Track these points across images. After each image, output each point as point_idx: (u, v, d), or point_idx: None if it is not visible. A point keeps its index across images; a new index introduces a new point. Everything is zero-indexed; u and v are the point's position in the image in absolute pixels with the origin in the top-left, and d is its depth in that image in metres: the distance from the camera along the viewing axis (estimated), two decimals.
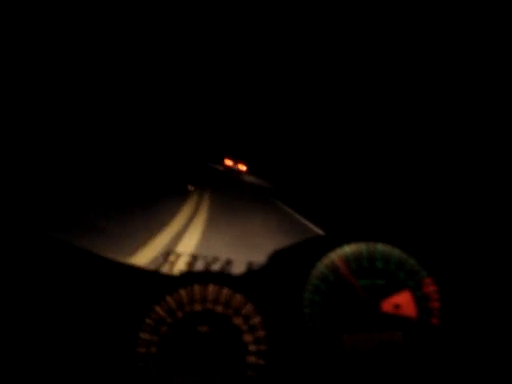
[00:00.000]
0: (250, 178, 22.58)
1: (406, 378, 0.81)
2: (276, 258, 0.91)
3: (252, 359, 0.84)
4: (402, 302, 0.82)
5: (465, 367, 0.80)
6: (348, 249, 0.86)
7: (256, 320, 0.85)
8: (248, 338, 0.85)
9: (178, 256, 0.96)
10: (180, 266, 0.94)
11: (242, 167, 23.83)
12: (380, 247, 0.86)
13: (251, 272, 0.92)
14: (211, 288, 0.87)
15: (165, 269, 0.95)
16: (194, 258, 0.94)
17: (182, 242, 5.07)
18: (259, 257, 0.93)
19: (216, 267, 0.94)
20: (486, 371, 0.79)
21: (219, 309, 0.87)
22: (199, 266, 0.94)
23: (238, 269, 0.94)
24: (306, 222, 5.83)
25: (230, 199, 10.20)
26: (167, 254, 0.96)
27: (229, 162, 23.92)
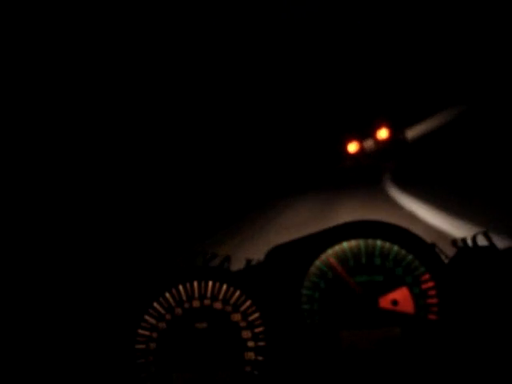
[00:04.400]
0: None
1: (404, 374, 0.81)
2: (274, 254, 0.91)
3: (250, 355, 0.85)
4: (400, 298, 0.83)
5: (463, 363, 0.80)
6: (346, 245, 0.87)
7: (254, 316, 0.86)
8: (247, 334, 0.85)
9: (180, 253, 0.96)
10: (179, 263, 0.94)
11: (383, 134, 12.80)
12: (378, 244, 0.86)
13: (250, 268, 0.92)
14: (210, 284, 0.88)
15: (164, 265, 0.95)
16: (193, 254, 0.94)
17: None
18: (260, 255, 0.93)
19: (215, 264, 0.94)
20: (484, 367, 0.80)
21: (218, 305, 0.87)
22: (198, 262, 0.94)
23: (236, 265, 0.95)
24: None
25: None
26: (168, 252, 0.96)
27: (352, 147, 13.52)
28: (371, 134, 13.00)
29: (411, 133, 14.72)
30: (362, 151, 13.24)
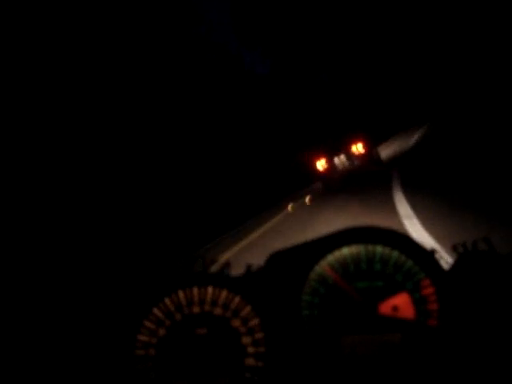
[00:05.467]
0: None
1: (404, 380, 0.81)
2: (275, 259, 0.91)
3: (250, 361, 0.84)
4: (400, 303, 0.82)
5: (463, 369, 0.80)
6: (346, 251, 0.87)
7: (254, 322, 0.85)
8: (246, 340, 0.85)
9: (181, 258, 0.96)
10: (179, 269, 0.94)
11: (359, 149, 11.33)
12: (378, 249, 0.86)
13: (250, 274, 0.92)
14: (210, 290, 0.88)
15: (164, 271, 0.95)
16: (193, 259, 0.94)
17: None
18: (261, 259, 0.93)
19: (215, 269, 0.94)
20: (484, 373, 0.79)
21: (218, 311, 0.87)
22: (198, 268, 0.94)
23: (236, 271, 0.94)
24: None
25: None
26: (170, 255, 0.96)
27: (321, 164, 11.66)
28: (344, 149, 11.62)
29: (383, 151, 13.56)
30: (332, 168, 11.68)
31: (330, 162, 11.58)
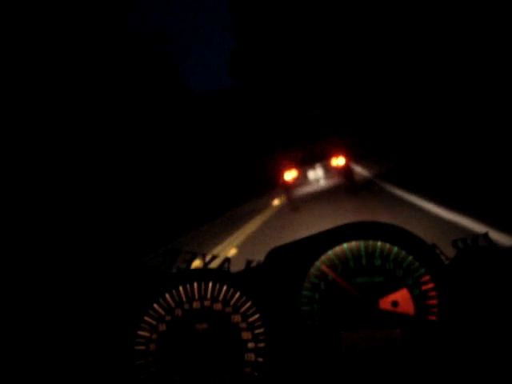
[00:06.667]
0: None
1: (404, 375, 0.81)
2: (275, 255, 0.91)
3: (250, 356, 0.84)
4: (400, 299, 0.83)
5: (463, 364, 0.80)
6: (346, 247, 0.87)
7: (255, 318, 0.86)
8: (246, 335, 0.85)
9: (178, 254, 0.96)
10: (179, 264, 0.94)
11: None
12: (378, 245, 0.86)
13: (250, 270, 0.92)
14: (210, 286, 0.88)
15: (164, 267, 0.95)
16: (193, 255, 0.94)
17: None
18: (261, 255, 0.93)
19: (215, 265, 0.94)
20: (484, 368, 0.79)
21: (218, 306, 0.87)
22: (198, 263, 0.94)
23: (236, 266, 0.94)
24: None
25: None
26: (168, 252, 0.96)
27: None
28: (322, 161, 10.58)
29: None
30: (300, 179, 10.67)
31: (301, 173, 10.62)
